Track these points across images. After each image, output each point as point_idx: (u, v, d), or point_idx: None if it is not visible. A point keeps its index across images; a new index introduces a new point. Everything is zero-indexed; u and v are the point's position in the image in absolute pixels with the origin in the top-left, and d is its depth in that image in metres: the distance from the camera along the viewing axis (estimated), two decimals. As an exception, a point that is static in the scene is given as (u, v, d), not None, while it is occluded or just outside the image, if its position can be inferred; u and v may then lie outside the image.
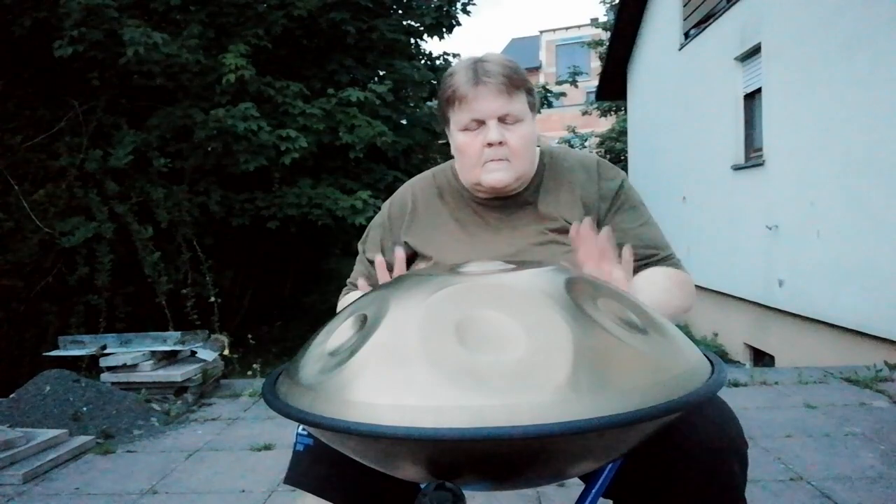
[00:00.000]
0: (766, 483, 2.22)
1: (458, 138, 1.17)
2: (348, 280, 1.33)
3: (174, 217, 5.63)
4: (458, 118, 1.15)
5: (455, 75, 1.15)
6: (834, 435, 2.66)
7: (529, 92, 1.17)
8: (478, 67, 1.13)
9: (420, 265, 1.23)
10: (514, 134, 1.13)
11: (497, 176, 1.14)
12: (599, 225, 1.18)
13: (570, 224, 1.16)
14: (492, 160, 1.14)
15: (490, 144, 1.13)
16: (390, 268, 1.08)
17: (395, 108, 6.70)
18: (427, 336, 0.66)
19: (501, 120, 1.13)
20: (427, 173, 1.32)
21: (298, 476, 1.02)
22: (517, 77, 1.13)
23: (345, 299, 1.27)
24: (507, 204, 1.21)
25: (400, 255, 1.07)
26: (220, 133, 5.50)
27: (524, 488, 1.83)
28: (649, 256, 1.18)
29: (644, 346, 0.69)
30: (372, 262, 1.25)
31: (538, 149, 1.26)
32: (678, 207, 7.86)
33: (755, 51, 5.93)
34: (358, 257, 1.33)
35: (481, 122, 1.13)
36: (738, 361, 6.14)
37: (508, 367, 0.63)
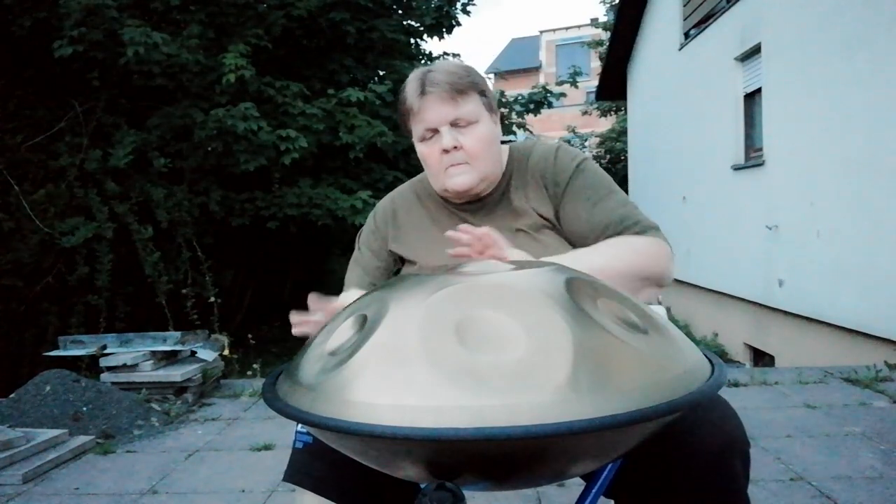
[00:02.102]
0: (766, 483, 2.22)
1: (419, 149, 1.20)
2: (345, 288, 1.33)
3: (174, 217, 5.63)
4: (415, 130, 1.18)
5: (406, 88, 1.18)
6: (834, 435, 2.66)
7: (482, 93, 1.18)
8: (425, 78, 1.15)
9: (407, 271, 1.24)
10: (468, 137, 1.15)
11: (459, 180, 1.16)
12: (558, 212, 1.18)
13: (543, 217, 1.18)
14: (451, 165, 1.16)
15: (446, 151, 1.14)
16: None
17: (395, 108, 6.68)
18: (427, 336, 0.66)
19: (454, 125, 1.14)
20: (405, 185, 1.35)
21: (298, 474, 1.03)
22: (463, 81, 1.14)
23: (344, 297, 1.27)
24: (482, 205, 1.22)
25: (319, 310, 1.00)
26: (220, 133, 5.50)
27: (524, 488, 1.83)
28: (608, 235, 1.13)
29: (644, 346, 0.69)
30: (371, 254, 1.29)
31: (507, 147, 1.27)
32: (678, 207, 7.86)
33: (755, 51, 5.93)
34: (351, 263, 1.34)
35: (435, 131, 1.15)
36: (738, 361, 6.14)
37: (508, 367, 0.63)
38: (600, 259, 1.04)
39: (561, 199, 1.18)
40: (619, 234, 1.12)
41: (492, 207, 1.22)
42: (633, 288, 1.02)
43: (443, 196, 1.25)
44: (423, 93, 1.14)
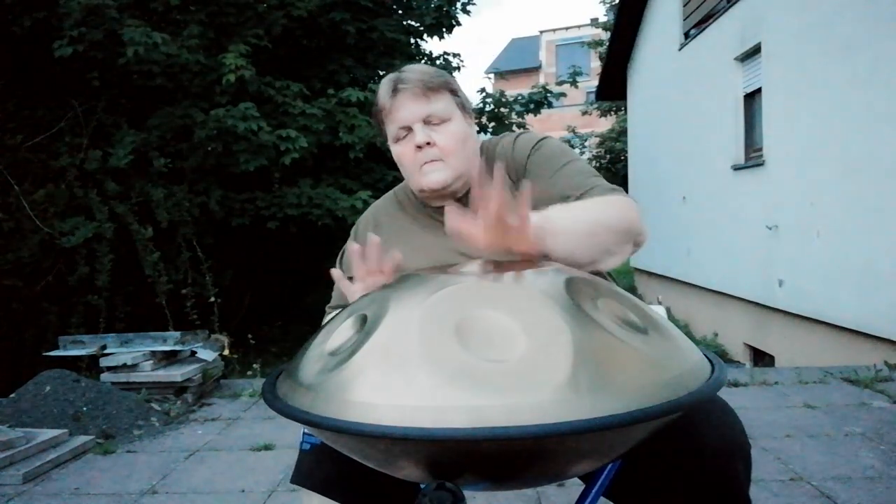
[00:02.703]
0: (766, 483, 2.22)
1: (394, 150, 1.20)
2: (328, 306, 1.31)
3: (174, 217, 5.62)
4: (389, 131, 1.19)
5: (379, 91, 1.19)
6: (834, 435, 2.66)
7: (454, 92, 1.19)
8: (397, 79, 1.16)
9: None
10: (441, 134, 1.15)
11: (434, 177, 1.16)
12: None
13: None
14: (425, 163, 1.16)
15: (419, 147, 1.15)
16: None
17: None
18: (427, 336, 0.66)
19: (427, 122, 1.15)
20: (389, 193, 1.36)
21: (304, 476, 1.03)
22: (433, 80, 1.15)
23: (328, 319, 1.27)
24: (460, 205, 1.21)
25: (374, 239, 1.03)
26: (220, 133, 5.50)
27: (524, 488, 1.83)
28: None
29: (644, 346, 0.69)
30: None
31: (479, 145, 1.27)
32: (678, 207, 7.86)
33: (755, 51, 5.93)
34: (335, 287, 1.31)
35: (409, 129, 1.16)
36: (738, 361, 6.14)
37: (508, 367, 0.63)
38: (581, 212, 1.00)
39: (519, 180, 1.16)
40: (581, 196, 1.09)
41: (470, 208, 1.21)
42: (606, 244, 0.99)
43: (421, 198, 1.24)
44: (395, 91, 1.15)
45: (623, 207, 1.05)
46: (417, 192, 1.22)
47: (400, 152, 1.18)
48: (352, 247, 1.05)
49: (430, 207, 1.24)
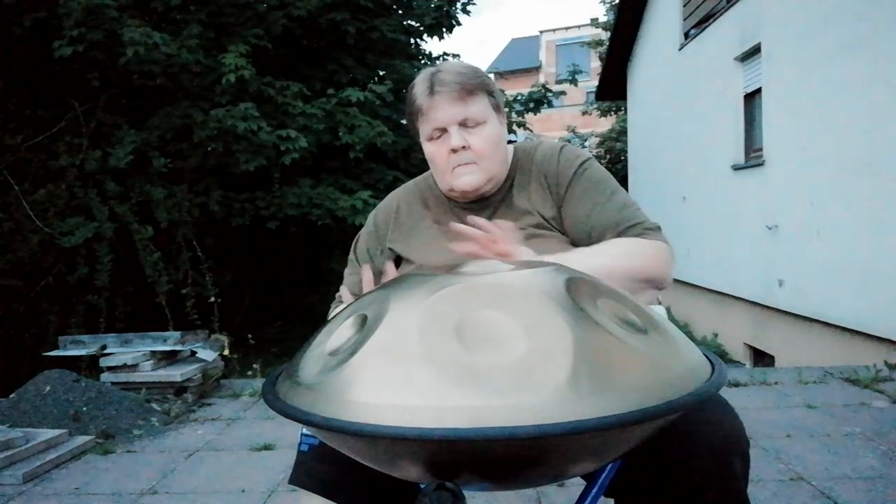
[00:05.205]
0: (766, 483, 2.22)
1: (426, 148, 1.20)
2: (338, 294, 1.32)
3: (174, 217, 5.63)
4: (423, 129, 1.19)
5: (414, 88, 1.18)
6: (834, 435, 2.66)
7: (490, 93, 1.18)
8: (433, 78, 1.16)
9: (404, 270, 1.24)
10: (476, 137, 1.15)
11: (466, 179, 1.16)
12: (561, 212, 1.19)
13: (545, 217, 1.18)
14: (459, 165, 1.16)
15: (454, 150, 1.15)
16: (377, 276, 1.11)
17: (395, 108, 6.70)
18: (427, 336, 0.66)
19: (462, 125, 1.15)
20: (410, 183, 1.36)
21: (303, 476, 1.03)
22: (472, 82, 1.15)
23: (336, 311, 1.27)
24: (485, 205, 1.22)
25: (390, 266, 1.12)
26: (220, 133, 5.50)
27: (524, 488, 1.83)
28: (609, 237, 1.14)
29: (644, 346, 0.69)
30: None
31: (512, 147, 1.27)
32: (678, 207, 7.86)
33: (755, 51, 5.93)
34: (347, 269, 1.33)
35: (444, 130, 1.16)
36: (738, 361, 6.14)
37: (508, 367, 0.63)
38: (602, 259, 1.05)
39: (563, 199, 1.19)
40: (619, 235, 1.13)
41: (495, 208, 1.22)
42: (631, 290, 1.02)
43: (448, 196, 1.25)
44: (432, 92, 1.14)
45: (650, 255, 1.09)
46: (447, 191, 1.23)
47: (433, 152, 1.19)
48: (388, 266, 1.13)
49: (454, 204, 1.25)
